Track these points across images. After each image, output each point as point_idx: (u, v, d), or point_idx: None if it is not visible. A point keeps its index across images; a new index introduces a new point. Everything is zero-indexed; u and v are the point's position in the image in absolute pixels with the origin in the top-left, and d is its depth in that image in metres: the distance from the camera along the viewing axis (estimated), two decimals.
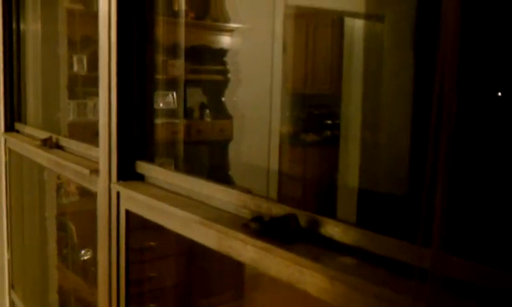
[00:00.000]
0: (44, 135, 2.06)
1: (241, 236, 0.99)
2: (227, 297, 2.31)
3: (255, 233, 0.98)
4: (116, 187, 1.40)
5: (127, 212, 1.38)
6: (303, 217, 0.96)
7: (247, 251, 0.98)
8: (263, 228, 0.98)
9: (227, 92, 2.86)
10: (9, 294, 2.74)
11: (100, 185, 1.49)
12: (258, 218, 1.01)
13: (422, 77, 1.15)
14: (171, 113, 2.80)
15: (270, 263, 0.94)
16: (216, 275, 2.21)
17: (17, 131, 2.50)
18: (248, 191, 1.11)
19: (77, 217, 2.66)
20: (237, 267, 2.04)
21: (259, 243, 0.95)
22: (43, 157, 1.97)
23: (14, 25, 2.60)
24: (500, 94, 0.90)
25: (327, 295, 0.84)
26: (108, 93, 1.44)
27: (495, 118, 0.90)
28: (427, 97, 1.09)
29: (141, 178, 1.44)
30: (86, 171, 1.55)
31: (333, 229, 0.92)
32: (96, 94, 1.52)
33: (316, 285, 0.85)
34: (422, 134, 1.12)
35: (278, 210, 1.02)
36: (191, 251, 2.28)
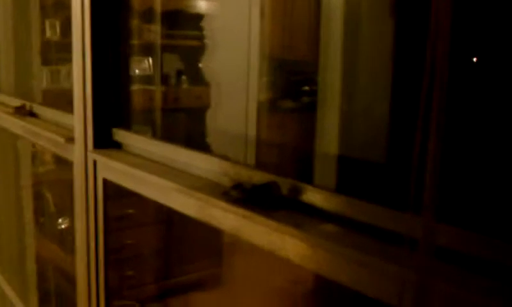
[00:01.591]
0: (17, 102, 2.01)
1: (222, 204, 0.98)
2: (205, 264, 2.32)
3: (236, 201, 0.96)
4: (92, 156, 1.38)
5: (104, 181, 1.35)
6: (284, 185, 0.95)
7: (228, 219, 0.97)
8: (244, 196, 0.97)
9: (204, 58, 2.81)
10: None
11: (76, 154, 1.46)
12: (238, 185, 0.99)
13: (401, 42, 1.14)
14: (147, 80, 2.76)
15: (251, 230, 0.93)
16: (194, 243, 2.21)
17: None
18: (227, 158, 1.09)
19: (53, 186, 2.63)
20: (215, 234, 2.04)
21: (240, 211, 0.94)
22: (16, 125, 1.93)
23: None
24: (496, 56, 0.89)
25: (309, 262, 0.84)
26: (82, 58, 1.40)
27: (490, 81, 0.89)
28: (406, 63, 1.09)
29: (118, 146, 1.41)
30: (62, 140, 1.52)
31: (314, 197, 0.91)
32: (70, 60, 1.48)
33: (298, 253, 0.85)
34: (402, 100, 1.11)
35: (259, 177, 1.00)
36: (170, 218, 2.27)
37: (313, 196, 0.91)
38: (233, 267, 2.14)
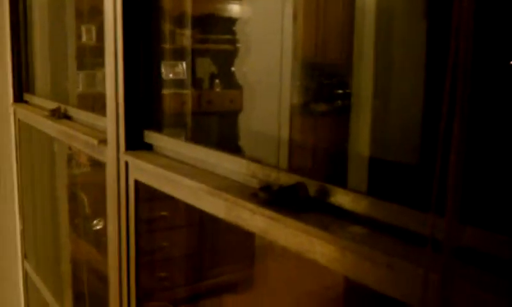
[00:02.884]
0: (53, 105, 2.05)
1: (250, 205, 0.98)
2: (237, 266, 2.32)
3: (264, 202, 0.96)
4: (124, 157, 1.39)
5: (136, 182, 1.37)
6: (312, 186, 0.94)
7: (255, 220, 0.97)
8: (272, 197, 0.96)
9: (237, 62, 2.83)
10: (23, 264, 2.77)
11: (108, 155, 1.48)
12: (266, 187, 0.99)
13: (435, 44, 1.12)
14: (180, 83, 2.78)
15: (279, 232, 0.93)
16: (226, 245, 2.21)
17: (26, 102, 2.50)
18: (256, 160, 1.09)
19: (88, 188, 2.67)
20: (248, 236, 2.04)
21: (268, 212, 0.94)
22: (52, 127, 1.97)
23: None
24: None
25: (337, 264, 0.83)
26: (114, 62, 1.42)
27: None
28: (440, 65, 1.07)
29: (149, 147, 1.43)
30: (95, 141, 1.54)
31: (343, 198, 0.90)
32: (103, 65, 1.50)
33: (326, 255, 0.84)
34: (435, 103, 1.09)
35: (287, 179, 1.00)
36: (202, 221, 2.28)
37: (340, 198, 0.90)
38: (266, 270, 2.13)
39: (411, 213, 0.78)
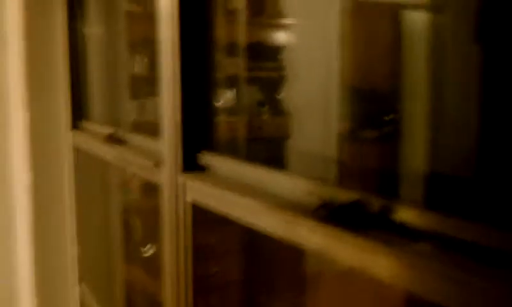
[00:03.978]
0: (108, 130, 2.10)
1: (309, 222, 0.98)
2: (289, 293, 2.30)
3: (324, 219, 0.96)
4: (180, 178, 1.41)
5: (193, 203, 1.38)
6: (373, 203, 0.94)
7: (316, 237, 0.97)
8: (331, 214, 0.96)
9: (284, 89, 2.85)
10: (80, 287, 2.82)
11: (164, 177, 1.50)
12: (326, 204, 0.99)
13: (488, 70, 1.10)
14: (229, 111, 2.81)
15: (339, 249, 0.92)
16: (276, 273, 2.20)
17: (81, 129, 2.58)
18: (314, 178, 1.09)
19: (140, 214, 2.71)
20: (298, 264, 2.03)
21: (328, 229, 0.93)
22: (107, 151, 2.02)
23: (77, 28, 2.68)
24: None
25: (401, 281, 0.81)
26: (171, 88, 1.47)
27: None
28: (495, 95, 1.05)
29: (203, 169, 1.44)
30: (150, 164, 1.57)
31: (404, 214, 0.89)
32: (155, 93, 1.54)
33: (390, 272, 0.83)
34: (489, 126, 1.07)
35: (346, 196, 0.99)
36: (254, 248, 2.28)
37: (403, 214, 0.89)
38: (318, 297, 2.11)
39: (479, 228, 0.76)
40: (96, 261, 2.74)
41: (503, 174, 0.97)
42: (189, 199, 1.39)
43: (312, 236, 0.98)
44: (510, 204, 0.86)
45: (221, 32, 1.95)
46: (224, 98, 2.93)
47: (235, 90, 2.84)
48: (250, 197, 1.16)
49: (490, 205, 0.90)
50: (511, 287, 0.64)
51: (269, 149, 2.72)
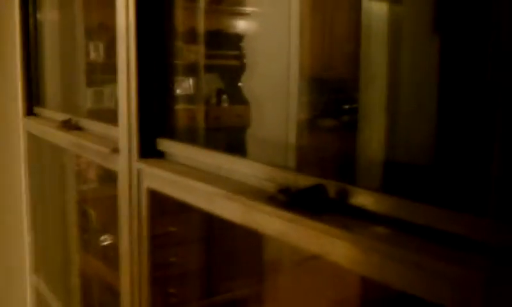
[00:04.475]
0: (63, 117, 2.05)
1: (268, 208, 0.97)
2: (248, 281, 2.30)
3: (282, 205, 0.95)
4: (137, 165, 1.39)
5: (149, 190, 1.36)
6: (331, 187, 0.93)
7: (274, 223, 0.96)
8: (290, 200, 0.95)
9: (244, 77, 2.83)
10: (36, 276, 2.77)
11: (121, 164, 1.47)
12: (285, 190, 0.98)
13: (446, 59, 1.11)
14: (188, 99, 2.78)
15: (299, 235, 0.91)
16: (237, 260, 2.20)
17: (36, 115, 2.51)
18: (272, 164, 1.08)
19: (96, 203, 2.66)
20: (258, 251, 2.03)
21: (287, 215, 0.93)
22: (63, 138, 1.97)
23: (30, 14, 2.61)
24: None
25: (360, 266, 0.81)
26: (127, 74, 1.44)
27: None
28: (451, 80, 1.06)
29: (161, 155, 1.42)
30: (106, 150, 1.54)
31: (363, 199, 0.89)
32: (112, 81, 1.51)
33: (349, 256, 0.82)
34: (447, 119, 1.08)
35: (305, 181, 0.99)
36: (213, 236, 2.26)
37: (361, 198, 0.89)
38: (276, 284, 2.11)
39: (438, 212, 0.76)
40: (52, 251, 2.68)
41: (458, 161, 0.99)
42: (145, 185, 1.36)
43: (270, 222, 0.97)
44: (463, 189, 0.87)
45: (179, 19, 1.92)
46: (184, 85, 2.89)
47: (194, 78, 2.80)
48: (207, 183, 1.14)
49: (446, 190, 0.91)
50: (468, 269, 0.65)
51: (229, 137, 2.71)
